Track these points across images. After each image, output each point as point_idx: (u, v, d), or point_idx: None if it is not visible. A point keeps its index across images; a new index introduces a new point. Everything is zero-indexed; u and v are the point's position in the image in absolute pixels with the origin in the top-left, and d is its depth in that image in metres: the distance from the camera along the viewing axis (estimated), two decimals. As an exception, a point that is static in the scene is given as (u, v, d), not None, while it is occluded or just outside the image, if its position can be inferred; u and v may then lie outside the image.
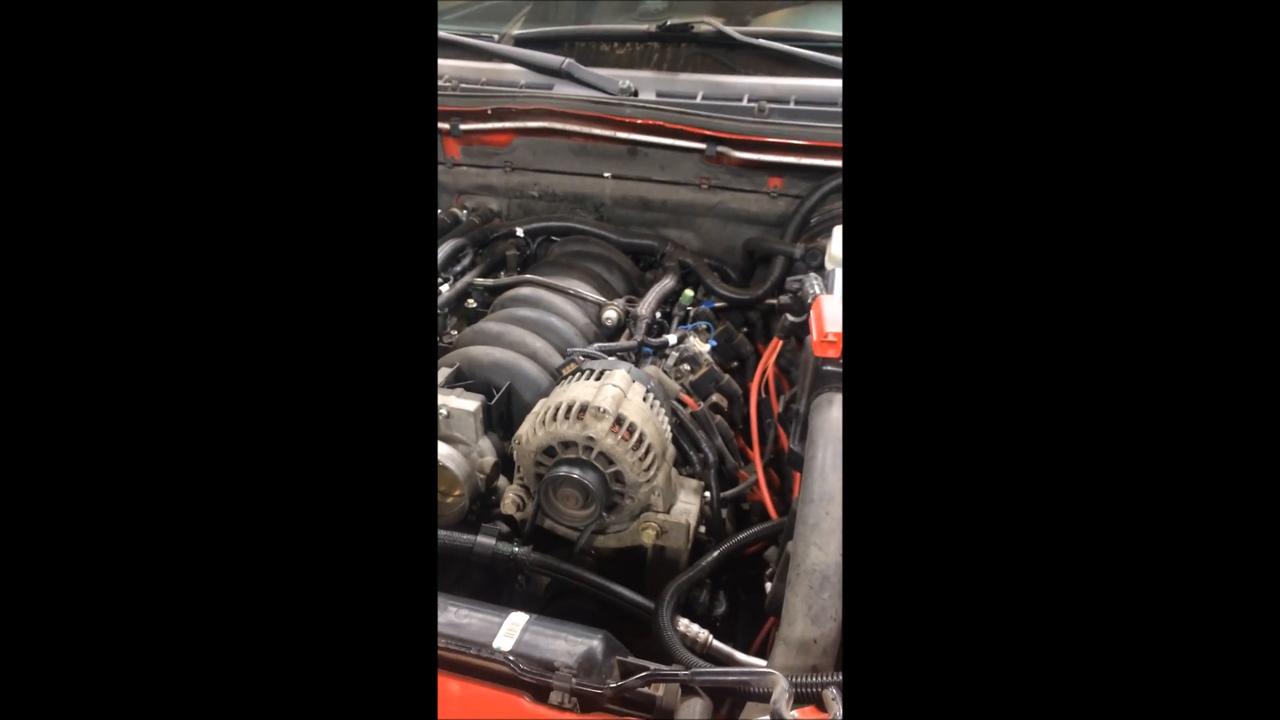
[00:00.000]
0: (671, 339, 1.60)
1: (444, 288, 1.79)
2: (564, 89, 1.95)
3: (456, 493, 1.31)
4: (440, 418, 1.33)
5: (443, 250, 1.82)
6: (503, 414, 1.45)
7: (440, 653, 0.83)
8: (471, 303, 1.81)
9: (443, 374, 1.44)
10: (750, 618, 1.32)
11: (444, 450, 1.30)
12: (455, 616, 0.89)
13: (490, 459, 1.36)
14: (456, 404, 1.34)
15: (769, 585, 1.09)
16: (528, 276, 1.79)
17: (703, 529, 1.34)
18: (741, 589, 1.36)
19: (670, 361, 1.56)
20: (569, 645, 0.85)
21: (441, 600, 0.91)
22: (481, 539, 1.25)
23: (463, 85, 2.02)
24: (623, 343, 1.58)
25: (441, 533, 1.25)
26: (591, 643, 0.86)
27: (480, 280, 1.85)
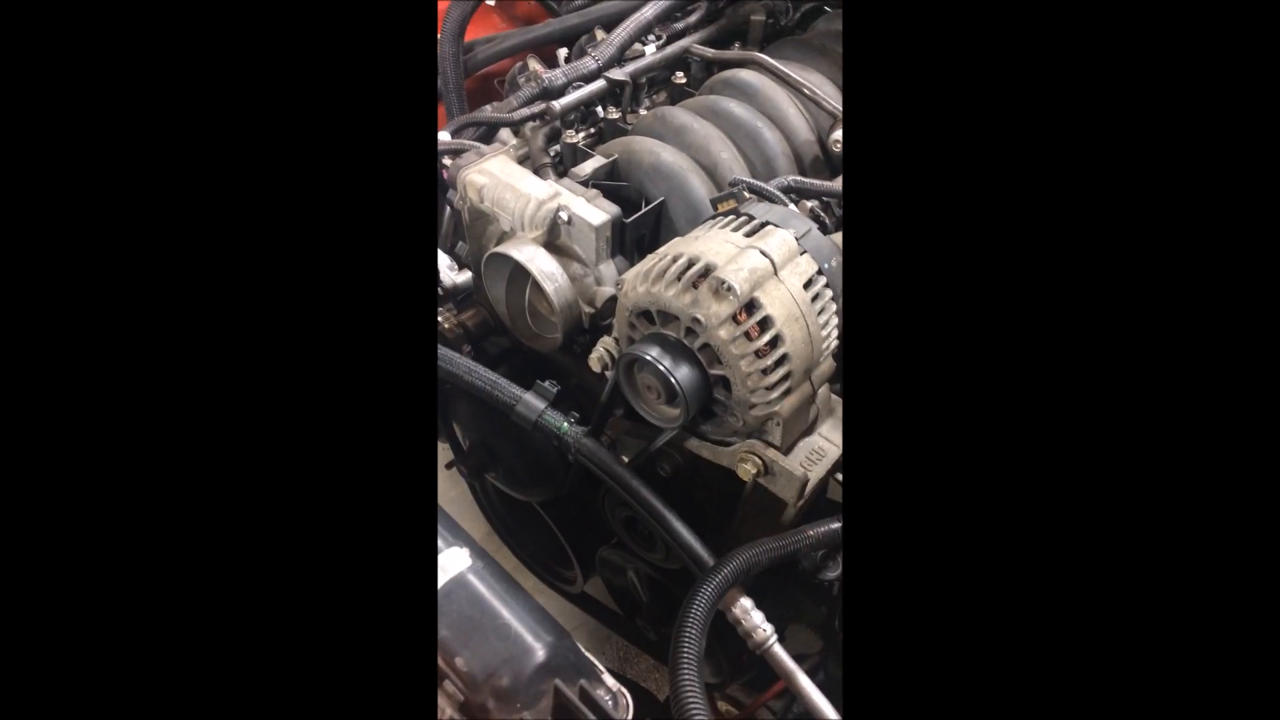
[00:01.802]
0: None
1: (649, 49, 1.36)
2: None
3: (553, 319, 1.05)
4: (559, 222, 1.03)
5: None
6: (643, 237, 1.11)
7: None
8: (680, 77, 1.38)
9: (591, 165, 1.12)
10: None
11: (546, 266, 1.02)
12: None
13: (607, 290, 1.04)
14: (581, 210, 1.01)
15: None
16: (758, 56, 1.31)
17: (840, 478, 0.94)
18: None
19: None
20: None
21: None
22: (529, 397, 0.95)
23: None
24: (826, 183, 1.07)
25: (481, 370, 0.97)
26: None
27: (700, 48, 1.39)
